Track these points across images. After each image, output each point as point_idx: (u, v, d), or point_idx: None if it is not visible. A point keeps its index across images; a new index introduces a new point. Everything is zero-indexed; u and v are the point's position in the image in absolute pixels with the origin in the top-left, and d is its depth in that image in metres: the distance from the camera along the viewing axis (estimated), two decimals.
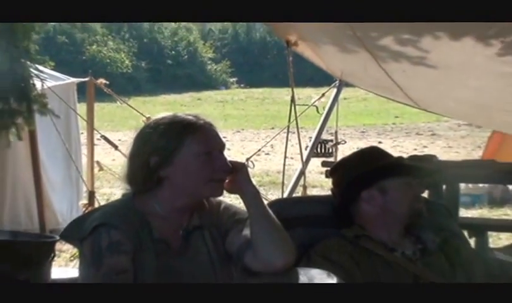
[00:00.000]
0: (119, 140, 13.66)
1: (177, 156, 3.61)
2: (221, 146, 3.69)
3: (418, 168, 4.61)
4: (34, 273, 3.71)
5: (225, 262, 3.79)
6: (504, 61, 6.98)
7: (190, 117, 3.70)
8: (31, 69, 9.62)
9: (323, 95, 10.54)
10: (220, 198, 3.83)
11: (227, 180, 3.65)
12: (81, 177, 12.32)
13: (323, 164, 8.44)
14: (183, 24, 56.28)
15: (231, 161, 3.70)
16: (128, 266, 3.49)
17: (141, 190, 3.70)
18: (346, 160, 4.63)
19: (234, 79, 53.83)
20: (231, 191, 3.72)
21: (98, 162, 12.48)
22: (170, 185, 3.65)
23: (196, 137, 3.64)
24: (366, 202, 4.31)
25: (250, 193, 3.70)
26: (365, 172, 4.37)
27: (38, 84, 9.73)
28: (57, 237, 4.33)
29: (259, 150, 12.30)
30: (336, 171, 4.61)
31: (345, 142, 12.25)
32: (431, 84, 8.68)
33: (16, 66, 9.27)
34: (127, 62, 49.54)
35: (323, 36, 8.34)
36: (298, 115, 9.75)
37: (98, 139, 12.71)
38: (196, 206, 3.75)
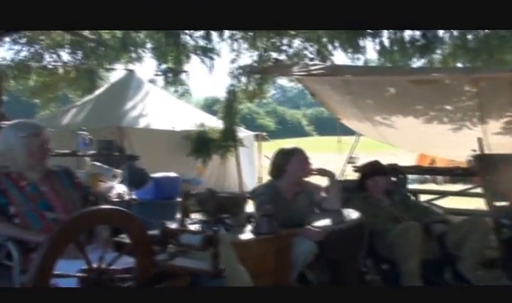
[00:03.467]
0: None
1: (291, 162, 4.29)
2: (308, 158, 4.33)
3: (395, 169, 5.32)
4: (238, 208, 3.83)
5: (312, 206, 4.30)
6: (426, 126, 8.01)
7: (294, 147, 4.41)
8: (236, 128, 11.55)
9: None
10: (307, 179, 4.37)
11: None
12: (256, 171, 13.62)
13: (352, 166, 8.29)
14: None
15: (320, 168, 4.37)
16: (272, 209, 3.85)
17: (276, 177, 4.35)
18: (363, 165, 5.15)
19: None
20: (320, 175, 4.32)
21: (262, 165, 13.09)
22: (289, 174, 4.29)
23: (299, 153, 4.32)
24: (371, 181, 4.78)
25: (331, 174, 4.34)
26: (373, 169, 4.86)
27: (239, 134, 11.72)
28: (248, 195, 4.41)
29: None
30: (360, 169, 5.18)
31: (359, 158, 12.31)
32: (398, 135, 9.07)
33: (232, 127, 11.10)
34: (273, 126, 53.25)
35: (354, 117, 9.08)
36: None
37: (263, 156, 13.26)
38: (298, 182, 4.34)
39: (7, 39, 11.72)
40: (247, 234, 3.68)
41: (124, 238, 2.59)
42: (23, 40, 12.41)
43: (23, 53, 12.67)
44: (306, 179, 4.37)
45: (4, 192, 3.03)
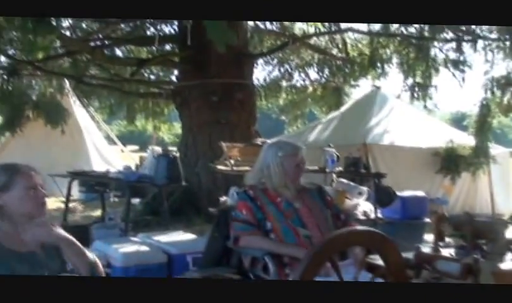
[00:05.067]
0: None
1: None
2: None
3: None
4: (497, 234, 3.27)
5: None
6: None
7: None
8: (489, 144, 10.78)
9: None
10: None
11: None
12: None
13: None
14: None
15: None
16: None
17: None
18: None
19: None
20: None
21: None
22: None
23: None
24: None
25: None
26: None
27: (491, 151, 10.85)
28: (509, 220, 4.28)
29: None
30: None
31: None
32: None
33: (484, 143, 10.47)
34: None
35: None
36: None
37: None
38: None
39: (260, 61, 12.72)
40: (509, 263, 3.39)
41: (376, 259, 2.57)
42: (275, 61, 13.33)
43: (275, 73, 13.62)
44: None
45: (261, 207, 3.25)
